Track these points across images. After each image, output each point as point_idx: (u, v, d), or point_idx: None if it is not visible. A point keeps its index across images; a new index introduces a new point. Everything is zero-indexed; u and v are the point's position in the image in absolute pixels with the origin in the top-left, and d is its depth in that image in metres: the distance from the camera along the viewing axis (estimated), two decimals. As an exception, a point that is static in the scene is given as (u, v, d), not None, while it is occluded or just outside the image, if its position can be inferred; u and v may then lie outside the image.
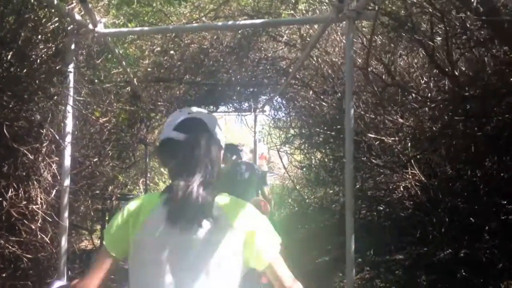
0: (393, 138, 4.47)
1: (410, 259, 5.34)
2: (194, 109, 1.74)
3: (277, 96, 7.93)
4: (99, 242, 8.66)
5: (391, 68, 3.95)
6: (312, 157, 9.86)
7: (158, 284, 1.49)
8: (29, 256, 3.92)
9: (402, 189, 4.95)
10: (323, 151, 8.67)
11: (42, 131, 3.56)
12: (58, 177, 3.65)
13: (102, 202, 8.07)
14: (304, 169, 12.56)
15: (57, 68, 3.68)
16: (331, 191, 9.99)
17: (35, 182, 3.46)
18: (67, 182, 3.68)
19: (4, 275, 4.05)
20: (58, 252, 3.67)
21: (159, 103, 7.15)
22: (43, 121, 3.56)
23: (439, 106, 3.97)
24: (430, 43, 3.30)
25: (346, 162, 3.38)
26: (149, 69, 5.95)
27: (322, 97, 5.75)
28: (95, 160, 4.62)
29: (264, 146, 12.37)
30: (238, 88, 6.71)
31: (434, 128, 4.29)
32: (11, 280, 4.05)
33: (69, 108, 3.69)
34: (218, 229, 1.51)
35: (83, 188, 4.92)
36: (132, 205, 1.61)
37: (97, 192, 5.28)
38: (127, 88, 6.24)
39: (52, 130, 3.42)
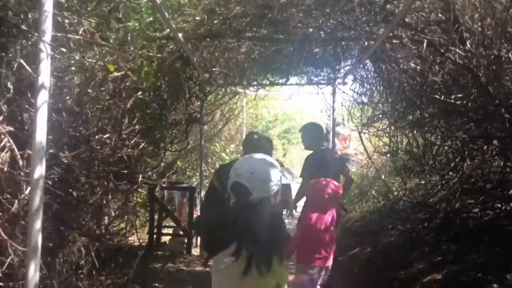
0: None
1: None
2: (255, 165, 2.11)
3: (366, 61, 6.13)
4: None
5: None
6: (400, 140, 8.05)
7: None
8: None
9: None
10: (419, 132, 6.90)
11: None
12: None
13: (147, 191, 6.68)
14: (389, 155, 10.77)
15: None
16: (422, 182, 8.11)
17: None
18: (39, 171, 2.17)
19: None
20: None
21: (215, 69, 5.57)
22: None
23: None
24: None
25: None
26: (197, 18, 4.37)
27: (442, 50, 3.95)
28: (106, 136, 3.09)
29: (343, 128, 10.67)
30: (321, 43, 4.96)
31: None
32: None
33: (44, 47, 2.18)
34: None
35: (101, 176, 3.46)
36: None
37: (124, 182, 3.77)
38: (171, 46, 4.72)
39: None
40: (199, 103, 6.51)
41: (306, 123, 5.82)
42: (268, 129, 15.49)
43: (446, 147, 6.83)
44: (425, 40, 3.92)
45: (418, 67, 4.92)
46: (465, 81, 4.30)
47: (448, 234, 5.62)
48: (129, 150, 3.56)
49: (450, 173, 6.90)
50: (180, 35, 4.47)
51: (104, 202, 3.70)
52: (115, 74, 2.78)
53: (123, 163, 3.72)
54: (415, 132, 7.10)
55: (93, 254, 4.50)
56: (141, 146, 3.75)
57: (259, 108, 13.66)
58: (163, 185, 6.29)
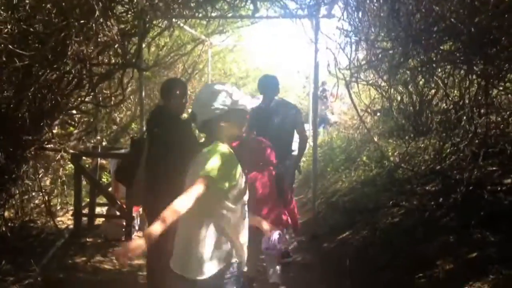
0: None
1: None
2: (199, 93, 2.44)
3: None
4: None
5: None
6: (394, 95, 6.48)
7: None
8: None
9: None
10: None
11: None
12: None
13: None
14: (378, 114, 9.15)
15: None
16: (421, 145, 6.49)
17: None
18: None
19: None
20: None
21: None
22: None
23: None
24: None
25: None
26: None
27: None
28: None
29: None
30: None
31: None
32: None
33: None
34: None
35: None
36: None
37: None
38: None
39: None
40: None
41: (262, 76, 5.55)
42: (239, 87, 13.66)
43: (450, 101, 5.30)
44: None
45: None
46: None
47: (478, 216, 3.96)
48: None
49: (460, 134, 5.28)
50: None
51: None
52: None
53: None
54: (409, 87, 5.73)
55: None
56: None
57: (228, 63, 11.78)
58: (71, 151, 4.43)
